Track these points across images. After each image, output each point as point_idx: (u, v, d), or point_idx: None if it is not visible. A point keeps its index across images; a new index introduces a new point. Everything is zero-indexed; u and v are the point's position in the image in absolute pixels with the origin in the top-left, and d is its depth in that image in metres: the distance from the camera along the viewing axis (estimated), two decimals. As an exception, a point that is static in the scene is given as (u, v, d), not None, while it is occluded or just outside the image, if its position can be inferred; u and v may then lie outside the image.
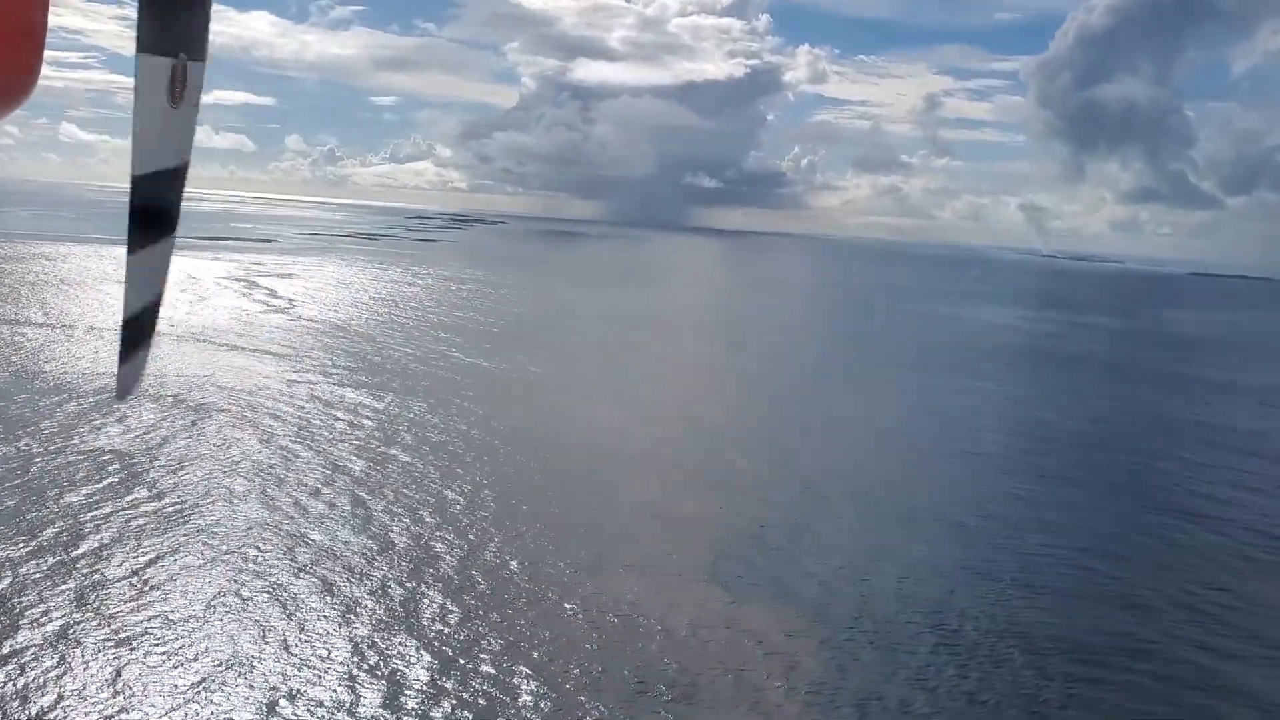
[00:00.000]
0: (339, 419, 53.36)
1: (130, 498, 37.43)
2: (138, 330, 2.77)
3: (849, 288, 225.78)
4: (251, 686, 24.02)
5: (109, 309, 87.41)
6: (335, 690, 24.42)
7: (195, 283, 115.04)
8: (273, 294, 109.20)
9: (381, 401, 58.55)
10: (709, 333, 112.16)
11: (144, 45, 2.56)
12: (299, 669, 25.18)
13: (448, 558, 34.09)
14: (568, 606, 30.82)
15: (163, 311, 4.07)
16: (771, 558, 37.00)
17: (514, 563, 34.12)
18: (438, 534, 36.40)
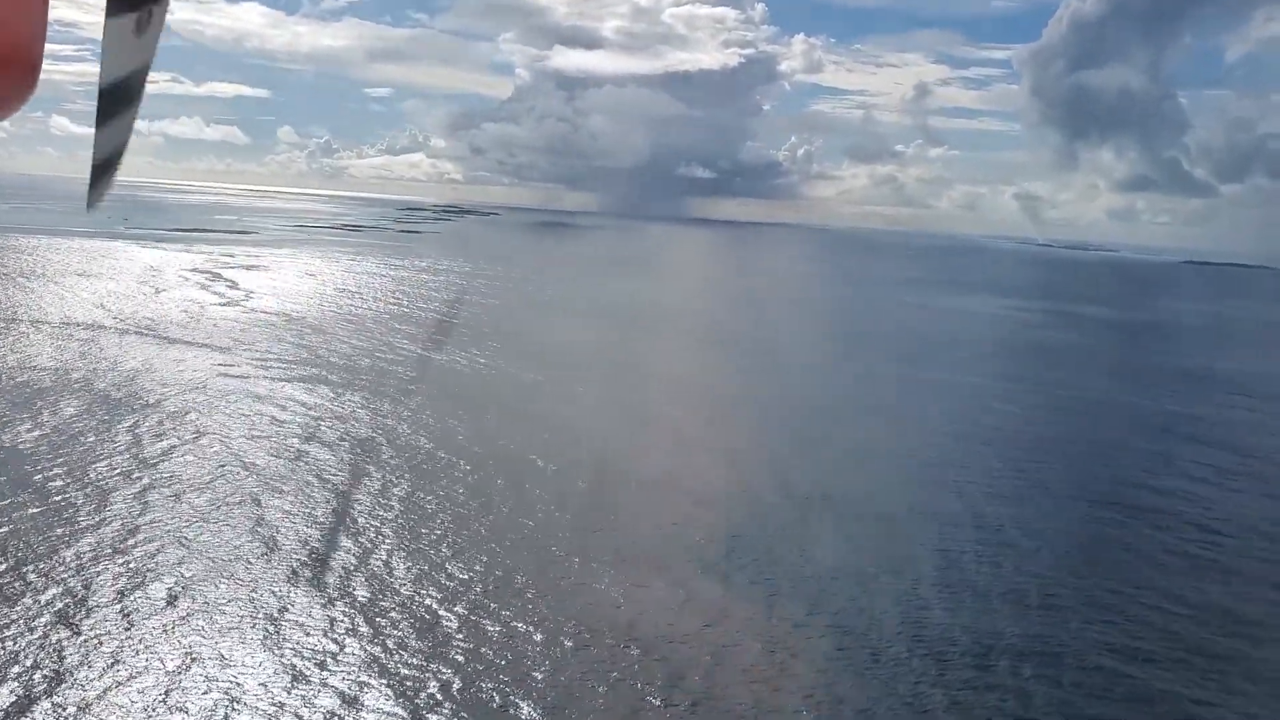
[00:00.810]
0: (263, 413, 51.88)
1: (10, 500, 35.98)
2: (106, 168, 2.80)
3: (831, 278, 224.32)
4: (63, 708, 22.60)
5: (60, 302, 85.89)
6: (155, 709, 23.00)
7: (156, 275, 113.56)
8: (233, 286, 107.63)
9: (313, 395, 57.08)
10: (679, 326, 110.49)
11: (113, 10, 2.49)
12: (124, 685, 23.75)
13: (332, 562, 32.68)
14: (445, 615, 29.40)
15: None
16: (677, 559, 35.56)
17: (401, 568, 32.68)
18: (329, 536, 34.98)
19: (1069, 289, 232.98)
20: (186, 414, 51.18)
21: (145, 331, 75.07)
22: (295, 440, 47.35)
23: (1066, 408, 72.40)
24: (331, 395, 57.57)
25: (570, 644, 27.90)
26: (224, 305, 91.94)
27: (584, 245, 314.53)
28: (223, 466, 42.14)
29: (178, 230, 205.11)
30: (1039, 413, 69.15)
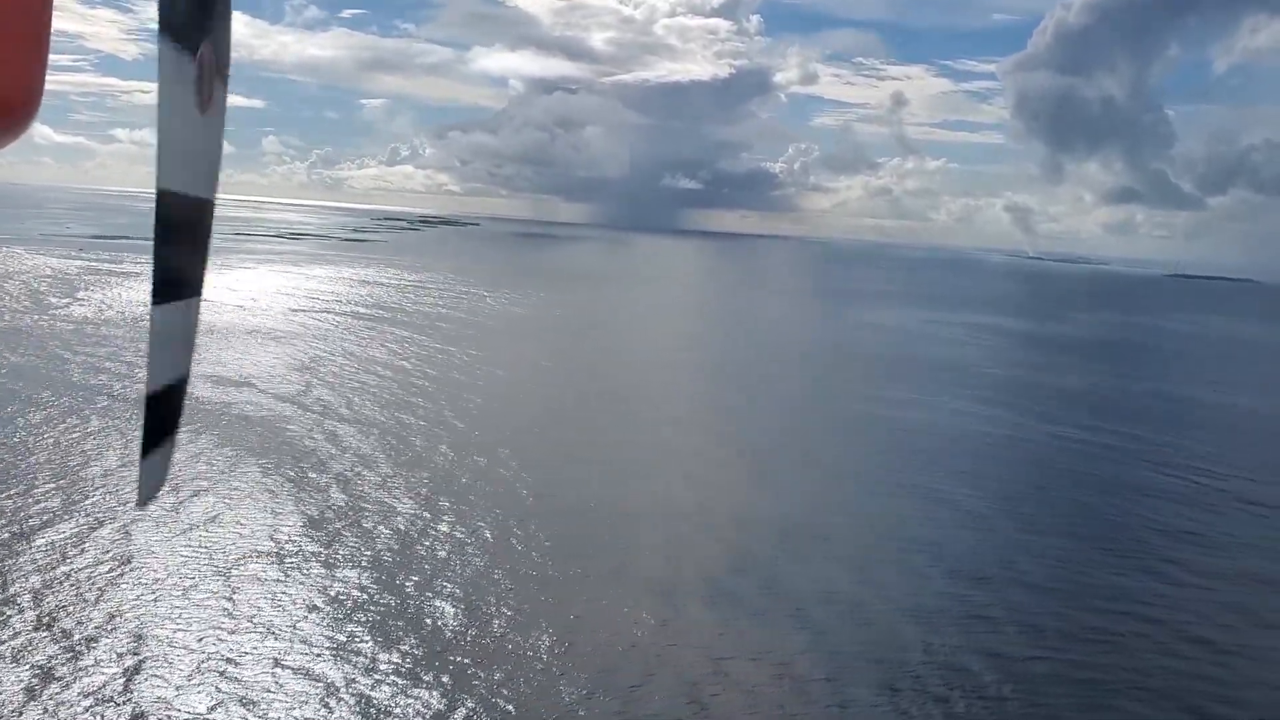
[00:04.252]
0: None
1: None
2: (165, 412, 2.25)
3: (776, 289, 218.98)
4: None
5: None
6: None
7: (4, 280, 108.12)
8: (72, 293, 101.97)
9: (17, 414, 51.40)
10: (532, 342, 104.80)
11: (166, 28, 2.17)
12: None
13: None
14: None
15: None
16: (525, 590, 29.84)
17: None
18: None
19: (1016, 302, 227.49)
20: None
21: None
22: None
23: (905, 426, 66.43)
24: (54, 413, 51.89)
25: (404, 683, 22.17)
26: (30, 313, 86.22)
27: (543, 256, 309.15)
28: None
29: (97, 237, 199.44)
30: (848, 429, 63.42)
